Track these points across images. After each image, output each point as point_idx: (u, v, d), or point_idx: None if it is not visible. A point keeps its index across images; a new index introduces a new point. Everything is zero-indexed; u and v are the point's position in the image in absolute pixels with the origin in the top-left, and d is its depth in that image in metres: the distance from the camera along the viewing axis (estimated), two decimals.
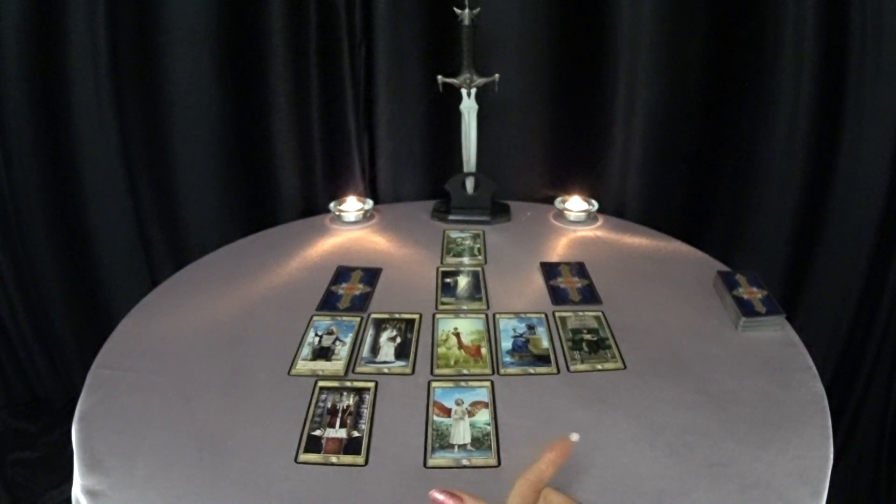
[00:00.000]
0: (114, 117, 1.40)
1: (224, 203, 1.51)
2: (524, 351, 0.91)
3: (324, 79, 1.41)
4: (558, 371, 0.87)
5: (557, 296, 1.04)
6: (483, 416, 0.78)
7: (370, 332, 0.95)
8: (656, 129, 1.42)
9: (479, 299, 1.05)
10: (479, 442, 0.74)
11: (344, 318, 0.99)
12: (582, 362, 0.88)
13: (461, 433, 0.75)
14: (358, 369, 0.87)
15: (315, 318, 0.99)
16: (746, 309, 0.95)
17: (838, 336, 1.51)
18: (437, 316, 0.99)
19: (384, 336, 0.94)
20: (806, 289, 1.49)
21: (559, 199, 1.36)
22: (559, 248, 1.23)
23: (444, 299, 1.04)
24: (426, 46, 1.39)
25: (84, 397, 0.81)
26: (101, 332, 0.97)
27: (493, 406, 0.79)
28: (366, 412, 0.79)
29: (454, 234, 1.28)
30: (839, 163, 1.35)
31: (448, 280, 1.10)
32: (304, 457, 0.72)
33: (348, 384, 0.84)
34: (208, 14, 1.33)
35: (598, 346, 0.91)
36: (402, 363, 0.88)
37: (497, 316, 0.99)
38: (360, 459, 0.72)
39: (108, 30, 1.31)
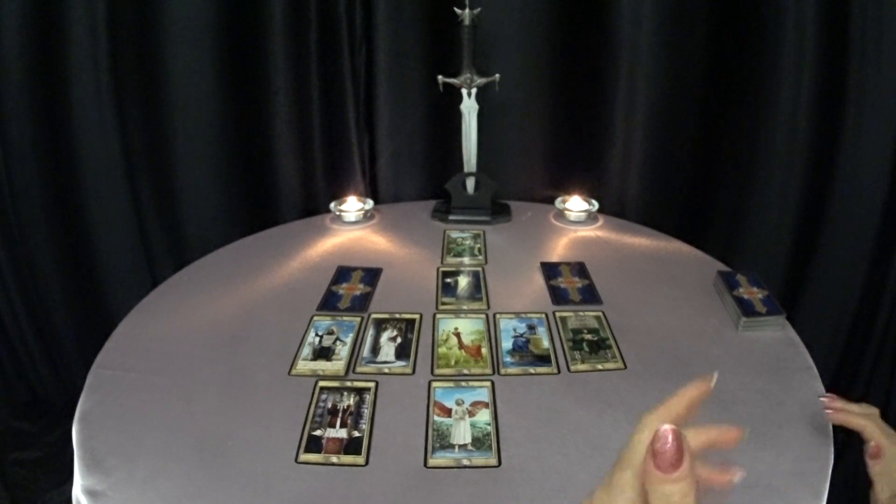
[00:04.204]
0: (114, 117, 1.40)
1: (224, 203, 1.51)
2: (524, 351, 0.91)
3: (324, 79, 1.41)
4: (558, 371, 0.87)
5: (558, 296, 1.04)
6: (483, 416, 0.78)
7: (370, 332, 0.95)
8: (656, 128, 1.43)
9: (480, 299, 1.05)
10: (479, 442, 0.74)
11: (344, 318, 0.99)
12: (582, 362, 0.88)
13: (462, 433, 0.75)
14: (358, 369, 0.87)
15: (315, 318, 0.99)
16: (747, 309, 0.95)
17: (838, 336, 1.51)
18: (438, 316, 0.99)
19: (385, 336, 0.94)
20: (806, 289, 1.49)
21: (559, 199, 1.37)
22: (559, 248, 1.23)
23: (445, 299, 1.04)
24: (426, 46, 1.39)
25: (84, 397, 0.81)
26: (101, 332, 0.97)
27: (494, 406, 0.79)
28: (366, 412, 0.79)
29: (454, 234, 1.28)
30: (839, 163, 1.35)
31: (448, 280, 1.10)
32: (304, 457, 0.72)
33: (349, 384, 0.84)
34: (208, 14, 1.33)
35: (598, 346, 0.91)
36: (402, 363, 0.88)
37: (497, 316, 0.99)
38: (360, 459, 0.72)
39: (108, 30, 1.31)
